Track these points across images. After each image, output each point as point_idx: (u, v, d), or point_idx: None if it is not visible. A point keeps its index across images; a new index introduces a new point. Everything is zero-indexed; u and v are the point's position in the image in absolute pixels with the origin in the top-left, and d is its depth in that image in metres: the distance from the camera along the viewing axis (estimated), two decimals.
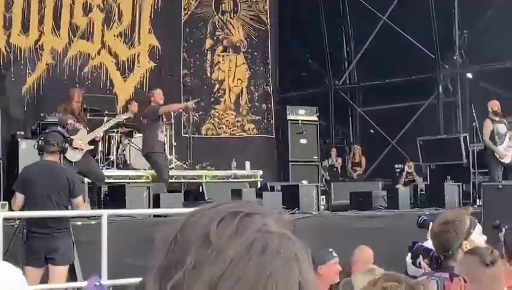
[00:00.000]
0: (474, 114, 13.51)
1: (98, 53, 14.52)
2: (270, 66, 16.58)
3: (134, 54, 14.95)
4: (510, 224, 4.34)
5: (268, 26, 16.67)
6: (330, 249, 6.22)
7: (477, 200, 12.11)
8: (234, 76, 16.21)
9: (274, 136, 16.07)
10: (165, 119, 11.53)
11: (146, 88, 14.91)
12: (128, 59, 14.86)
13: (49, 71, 13.75)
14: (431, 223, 7.05)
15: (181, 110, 13.12)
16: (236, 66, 16.26)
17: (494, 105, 12.92)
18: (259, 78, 16.52)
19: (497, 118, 12.88)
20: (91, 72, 14.30)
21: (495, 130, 12.64)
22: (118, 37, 14.75)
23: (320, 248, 6.36)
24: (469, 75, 15.76)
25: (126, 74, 14.81)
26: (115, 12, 14.70)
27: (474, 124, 13.51)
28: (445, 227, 3.70)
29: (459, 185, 12.14)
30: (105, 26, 14.59)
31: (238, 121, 16.13)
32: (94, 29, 14.47)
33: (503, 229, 5.96)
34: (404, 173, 14.79)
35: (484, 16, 15.04)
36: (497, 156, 12.40)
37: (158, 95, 11.24)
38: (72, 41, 14.14)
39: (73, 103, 9.83)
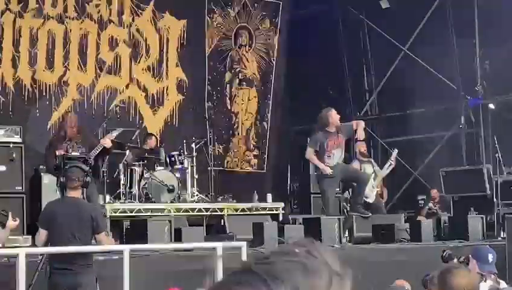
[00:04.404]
0: (496, 145, 13.43)
1: (127, 87, 14.56)
2: (272, 101, 16.54)
3: (163, 87, 15.03)
4: None
5: (274, 59, 16.61)
6: None
7: (502, 233, 12.00)
8: (246, 110, 16.27)
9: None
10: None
11: (176, 121, 14.99)
12: (157, 92, 14.95)
13: (76, 107, 13.80)
14: (455, 259, 7.02)
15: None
16: (248, 100, 16.33)
17: (361, 146, 13.13)
18: (266, 113, 16.57)
19: (364, 159, 13.19)
20: (120, 107, 14.32)
21: (363, 170, 12.74)
22: (146, 70, 14.83)
23: None
24: (491, 105, 15.67)
25: (156, 107, 14.89)
26: (142, 46, 14.79)
27: (497, 155, 13.42)
28: None
29: (482, 217, 12.03)
30: (132, 60, 14.66)
31: (246, 155, 16.18)
32: (121, 64, 14.55)
33: None
34: (429, 204, 14.58)
35: (505, 47, 14.99)
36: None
37: (328, 115, 11.57)
38: (99, 76, 14.21)
39: (68, 129, 9.79)
